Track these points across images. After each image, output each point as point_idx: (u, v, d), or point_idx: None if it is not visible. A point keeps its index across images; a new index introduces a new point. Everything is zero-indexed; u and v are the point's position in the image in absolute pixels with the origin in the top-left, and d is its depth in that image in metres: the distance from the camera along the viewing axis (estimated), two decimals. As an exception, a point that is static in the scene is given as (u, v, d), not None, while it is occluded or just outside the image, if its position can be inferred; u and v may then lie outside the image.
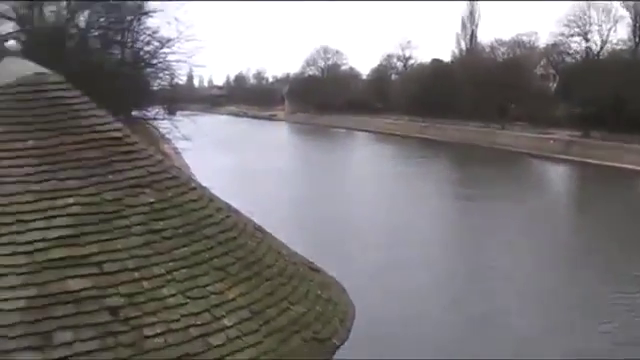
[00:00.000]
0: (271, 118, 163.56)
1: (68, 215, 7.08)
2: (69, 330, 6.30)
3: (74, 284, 6.60)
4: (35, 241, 6.79)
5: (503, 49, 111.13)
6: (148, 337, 6.47)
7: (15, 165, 7.38)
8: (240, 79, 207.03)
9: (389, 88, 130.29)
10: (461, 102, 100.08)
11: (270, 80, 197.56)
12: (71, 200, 7.21)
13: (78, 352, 6.19)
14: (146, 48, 43.13)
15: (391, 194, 58.60)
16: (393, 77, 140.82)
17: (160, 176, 8.03)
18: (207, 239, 7.61)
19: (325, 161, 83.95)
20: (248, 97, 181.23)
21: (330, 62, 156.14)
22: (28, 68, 8.42)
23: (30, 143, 7.61)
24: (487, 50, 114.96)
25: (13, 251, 6.70)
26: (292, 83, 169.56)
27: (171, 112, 45.81)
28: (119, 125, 8.59)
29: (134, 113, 39.84)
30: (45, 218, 6.99)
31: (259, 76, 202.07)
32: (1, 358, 6.06)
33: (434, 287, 32.14)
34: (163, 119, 41.80)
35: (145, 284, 6.83)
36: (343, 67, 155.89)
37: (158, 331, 6.54)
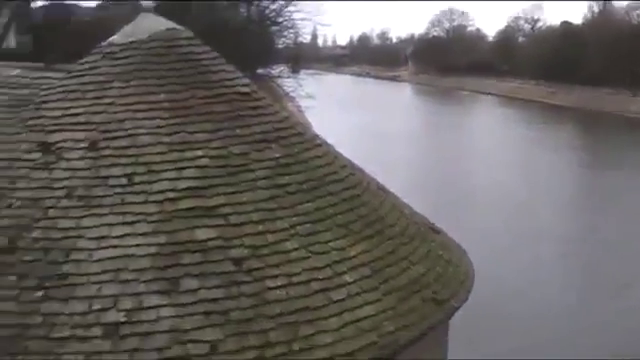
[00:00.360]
0: (394, 79, 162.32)
1: (197, 167, 7.27)
2: (195, 278, 6.51)
3: (201, 234, 6.80)
4: (165, 191, 7.03)
5: (638, 12, 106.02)
6: (270, 289, 6.62)
7: (148, 117, 7.62)
8: (364, 39, 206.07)
9: (515, 51, 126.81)
10: (590, 67, 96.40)
11: (394, 41, 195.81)
12: (200, 153, 7.40)
13: (203, 299, 6.41)
14: (272, 6, 43.56)
15: (512, 160, 57.31)
16: (520, 40, 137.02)
17: (286, 132, 8.13)
18: (331, 195, 7.67)
19: (446, 124, 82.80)
20: (371, 57, 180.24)
21: (455, 23, 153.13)
22: (161, 24, 8.64)
23: (162, 97, 7.84)
24: (621, 13, 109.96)
25: (145, 200, 6.96)
26: (416, 44, 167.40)
27: (295, 71, 46.24)
28: (247, 81, 8.72)
29: (259, 71, 40.37)
30: (175, 169, 7.21)
31: (383, 36, 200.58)
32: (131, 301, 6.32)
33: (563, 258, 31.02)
34: (287, 77, 42.21)
35: (269, 237, 6.96)
36: (469, 29, 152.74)
37: (280, 283, 6.68)
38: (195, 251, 6.67)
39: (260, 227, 7.00)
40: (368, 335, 6.65)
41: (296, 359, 6.27)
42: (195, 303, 6.35)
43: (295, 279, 6.75)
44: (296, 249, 6.97)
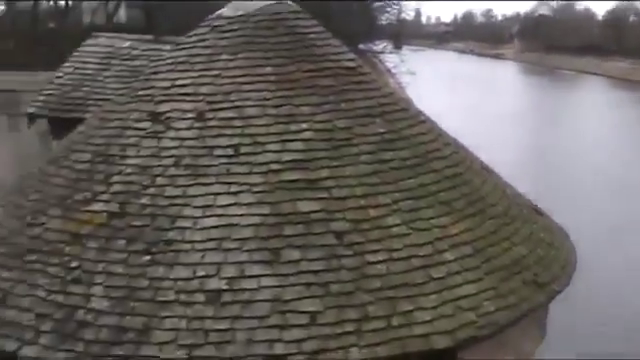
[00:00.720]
0: (497, 57, 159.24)
1: (301, 140, 7.33)
2: (297, 249, 6.59)
3: (304, 206, 6.87)
4: (270, 162, 7.12)
5: None
6: (370, 263, 6.63)
7: (254, 90, 7.72)
8: (468, 16, 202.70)
9: (626, 31, 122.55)
10: None
11: (499, 18, 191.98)
12: (305, 126, 7.45)
13: (304, 270, 6.48)
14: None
15: (620, 145, 55.46)
16: (631, 19, 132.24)
17: (390, 107, 8.10)
18: (434, 172, 7.62)
19: (553, 103, 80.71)
20: (475, 35, 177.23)
21: (563, 2, 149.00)
22: (268, -2, 8.70)
23: (268, 70, 7.92)
24: None
25: (250, 171, 7.07)
26: (522, 22, 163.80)
27: (397, 47, 45.95)
28: (352, 55, 8.72)
29: (361, 46, 40.27)
30: (280, 142, 7.29)
31: (488, 14, 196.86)
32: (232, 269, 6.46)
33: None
34: (389, 53, 41.99)
35: (371, 212, 6.96)
36: (577, 7, 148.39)
37: (380, 258, 6.69)
38: (298, 223, 6.74)
39: (362, 201, 7.01)
40: (467, 314, 6.59)
41: (394, 335, 6.28)
42: (296, 274, 6.43)
43: (395, 255, 6.74)
44: (398, 225, 6.95)
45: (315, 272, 6.46)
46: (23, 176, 8.54)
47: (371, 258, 6.65)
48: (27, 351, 6.35)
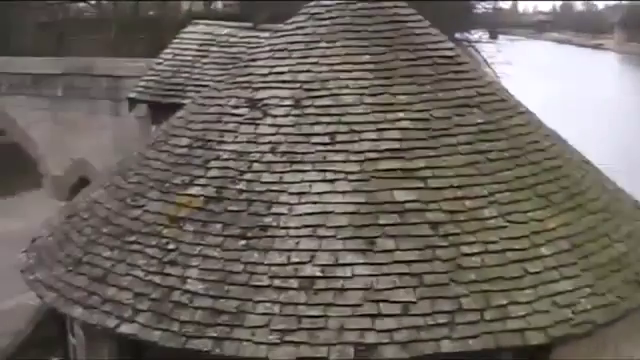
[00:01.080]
0: (597, 47, 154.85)
1: (398, 129, 7.29)
2: (391, 239, 6.57)
3: (399, 195, 6.83)
4: (366, 151, 7.11)
5: None
6: (465, 255, 6.55)
7: (352, 78, 7.71)
8: (567, 6, 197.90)
9: None
10: None
11: (600, 8, 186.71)
12: (401, 115, 7.41)
13: (398, 260, 6.45)
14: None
15: None
16: None
17: (489, 97, 7.98)
18: (532, 165, 7.47)
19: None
20: (574, 24, 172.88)
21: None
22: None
23: (366, 58, 7.90)
24: None
25: (346, 159, 7.07)
26: (625, 11, 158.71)
27: (493, 36, 45.19)
28: (451, 44, 8.62)
29: (456, 35, 39.74)
30: (377, 130, 7.27)
31: (588, 3, 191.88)
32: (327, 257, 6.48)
33: None
34: (485, 42, 41.33)
35: (467, 203, 6.88)
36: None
37: (475, 250, 6.60)
38: (393, 212, 6.71)
39: (458, 192, 6.93)
40: (563, 311, 6.43)
41: (487, 329, 6.19)
42: (390, 263, 6.40)
43: (491, 247, 6.64)
44: (494, 217, 6.84)
45: (409, 262, 6.43)
46: (124, 159, 8.77)
47: (466, 250, 6.57)
48: (125, 328, 6.54)
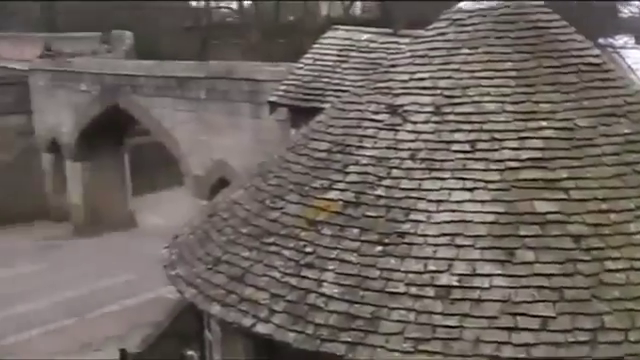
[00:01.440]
0: None
1: (541, 138, 7.12)
2: (531, 250, 6.41)
3: (540, 206, 6.67)
4: (507, 160, 6.97)
5: None
6: (609, 271, 6.31)
7: (493, 85, 7.59)
8: None
9: None
10: None
11: None
12: (544, 123, 7.23)
13: (537, 273, 6.29)
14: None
15: None
16: None
17: (637, 107, 7.66)
18: (683, 179, 7.11)
19: None
20: None
21: None
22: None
23: (508, 65, 7.75)
24: None
25: (486, 167, 6.96)
26: None
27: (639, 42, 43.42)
28: (597, 51, 8.34)
29: (600, 41, 38.42)
30: (518, 139, 7.12)
31: None
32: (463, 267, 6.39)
33: None
34: (631, 48, 39.76)
35: (612, 216, 6.63)
36: None
37: (620, 266, 6.34)
38: (533, 223, 6.55)
39: (603, 205, 6.69)
40: None
41: (630, 351, 5.92)
42: (529, 276, 6.25)
43: (637, 264, 6.36)
44: (640, 232, 6.57)
45: (549, 275, 6.25)
46: (264, 161, 8.96)
47: (610, 265, 6.33)
48: (261, 328, 6.68)
